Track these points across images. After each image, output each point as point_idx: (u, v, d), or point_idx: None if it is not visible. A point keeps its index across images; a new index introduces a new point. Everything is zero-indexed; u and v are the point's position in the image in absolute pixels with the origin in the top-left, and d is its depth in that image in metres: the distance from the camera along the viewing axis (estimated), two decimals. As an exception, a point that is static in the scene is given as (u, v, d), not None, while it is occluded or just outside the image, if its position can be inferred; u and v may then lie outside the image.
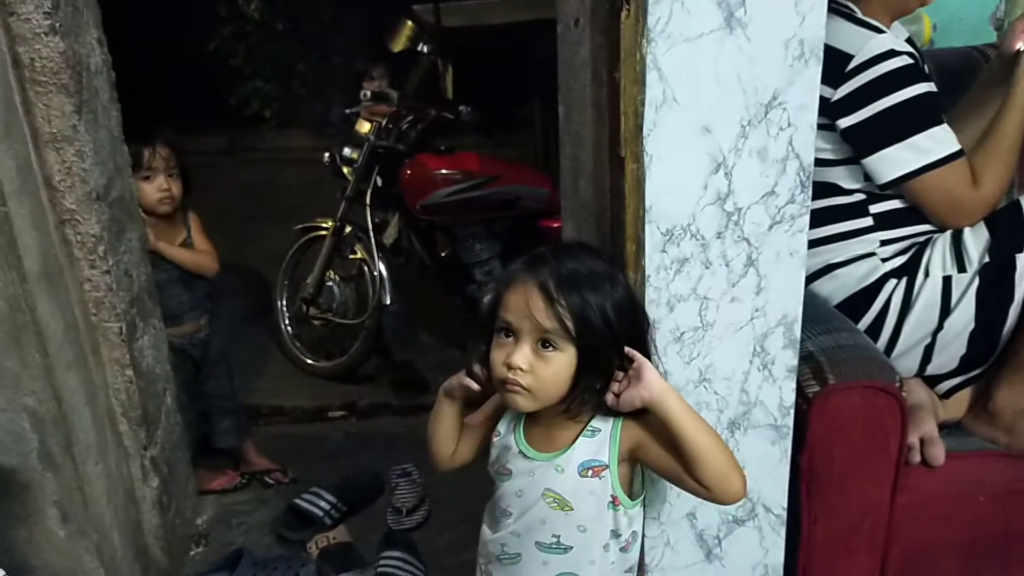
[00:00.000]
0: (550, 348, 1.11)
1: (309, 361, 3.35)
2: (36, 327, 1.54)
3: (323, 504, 2.19)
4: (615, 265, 1.18)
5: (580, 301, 1.09)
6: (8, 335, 1.52)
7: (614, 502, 1.19)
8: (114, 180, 1.80)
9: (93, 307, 1.76)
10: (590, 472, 1.18)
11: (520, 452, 1.22)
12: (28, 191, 1.55)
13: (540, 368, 1.12)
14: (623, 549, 1.23)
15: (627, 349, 1.14)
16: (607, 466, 1.18)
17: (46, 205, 1.63)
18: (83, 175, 1.66)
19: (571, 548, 1.21)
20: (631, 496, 1.21)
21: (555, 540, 1.21)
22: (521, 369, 1.11)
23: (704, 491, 1.14)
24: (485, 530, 1.31)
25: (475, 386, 1.23)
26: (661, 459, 1.16)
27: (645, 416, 1.18)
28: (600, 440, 1.18)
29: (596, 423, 1.19)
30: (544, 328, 1.10)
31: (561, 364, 1.11)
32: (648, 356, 1.17)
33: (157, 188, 2.23)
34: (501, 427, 1.26)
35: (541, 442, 1.21)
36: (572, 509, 1.19)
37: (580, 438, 1.19)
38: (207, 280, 2.44)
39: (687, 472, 1.13)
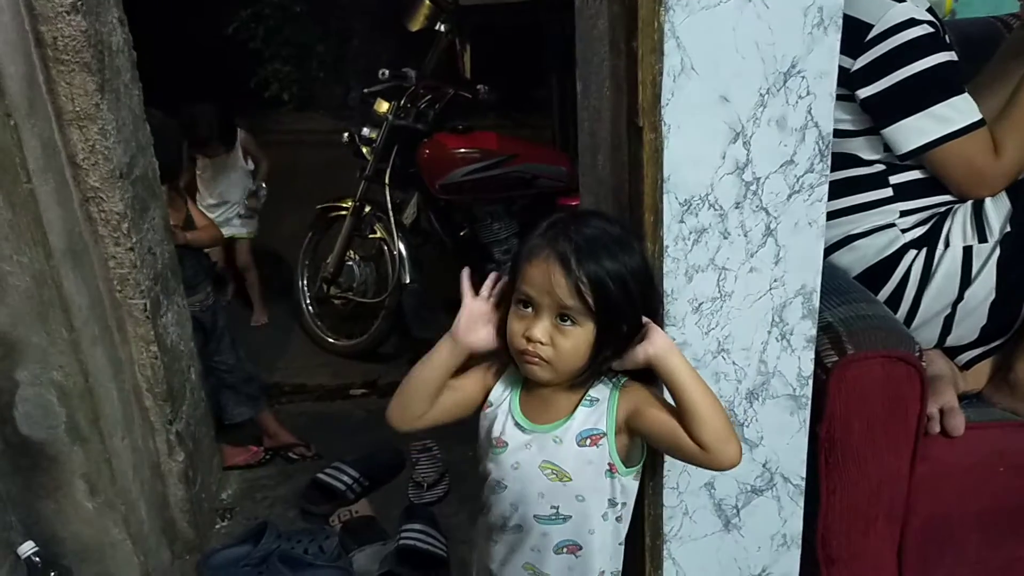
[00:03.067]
0: (569, 322, 1.11)
1: (330, 340, 3.38)
2: (62, 303, 1.57)
3: (346, 479, 2.22)
4: (631, 235, 1.18)
5: (600, 278, 1.09)
6: (35, 310, 1.55)
7: (611, 470, 1.19)
8: (137, 158, 1.82)
9: (118, 284, 1.79)
10: (588, 441, 1.18)
11: (516, 424, 1.22)
12: (52, 169, 1.58)
13: (560, 341, 1.12)
14: (618, 519, 1.24)
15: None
16: (605, 434, 1.18)
17: (70, 183, 1.65)
18: (106, 153, 1.68)
19: (570, 518, 1.21)
20: (627, 464, 1.21)
21: (554, 511, 1.21)
22: (541, 342, 1.12)
23: (701, 453, 1.11)
24: (483, 504, 1.31)
25: (490, 343, 1.21)
26: (657, 424, 1.15)
27: (642, 383, 1.19)
28: (599, 409, 1.18)
29: (594, 392, 1.19)
30: (565, 304, 1.10)
31: (580, 338, 1.12)
32: (660, 324, 1.18)
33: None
34: (493, 398, 1.25)
35: (538, 413, 1.21)
36: (571, 480, 1.19)
37: (579, 408, 1.19)
38: (207, 253, 2.55)
39: (687, 432, 1.11)
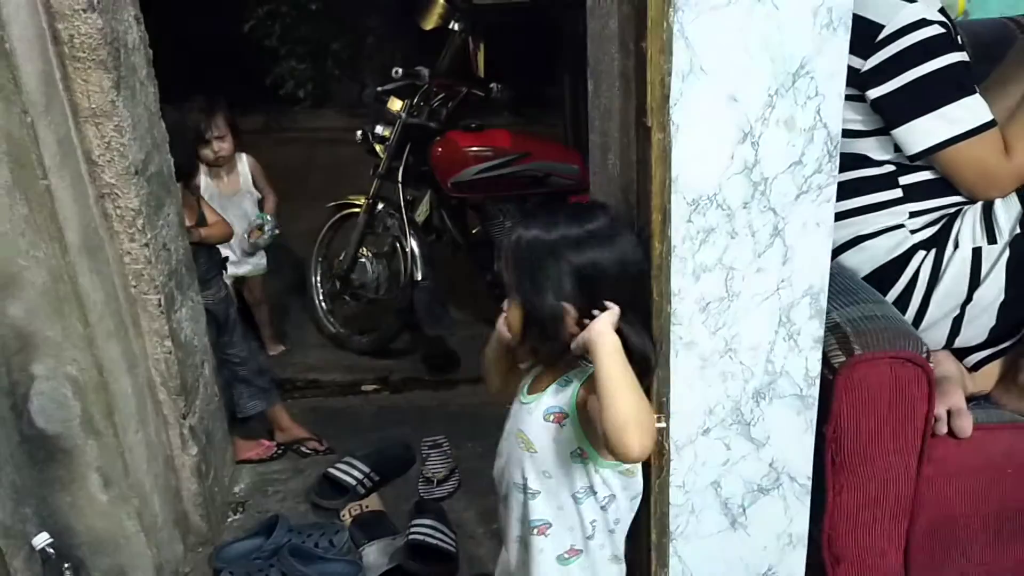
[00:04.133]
0: (513, 299, 1.25)
1: (343, 336, 3.40)
2: (78, 298, 1.59)
3: (356, 474, 2.23)
4: (604, 234, 1.23)
5: (518, 263, 1.22)
6: (51, 305, 1.57)
7: (582, 455, 1.24)
8: (152, 155, 1.83)
9: (133, 279, 1.81)
10: (552, 417, 1.25)
11: (519, 395, 1.32)
12: (69, 165, 1.60)
13: (509, 313, 1.27)
14: (603, 508, 1.27)
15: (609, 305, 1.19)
16: (567, 415, 1.24)
17: (86, 179, 1.67)
18: (122, 150, 1.69)
19: (539, 493, 1.27)
20: (604, 455, 1.23)
21: (524, 481, 1.28)
22: (504, 313, 1.28)
23: (604, 440, 1.15)
24: None
25: (507, 335, 1.30)
26: (592, 408, 1.20)
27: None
28: (567, 391, 1.25)
29: (571, 374, 1.26)
30: (506, 281, 1.26)
31: (514, 314, 1.26)
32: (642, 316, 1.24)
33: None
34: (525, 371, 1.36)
35: (535, 386, 1.30)
36: (536, 451, 1.26)
37: (553, 385, 1.27)
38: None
39: (601, 419, 1.15)
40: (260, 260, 3.32)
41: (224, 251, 2.71)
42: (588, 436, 1.23)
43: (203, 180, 2.93)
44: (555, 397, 1.26)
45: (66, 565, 1.70)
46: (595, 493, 1.26)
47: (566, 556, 1.29)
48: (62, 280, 1.56)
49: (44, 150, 1.49)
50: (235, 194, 3.18)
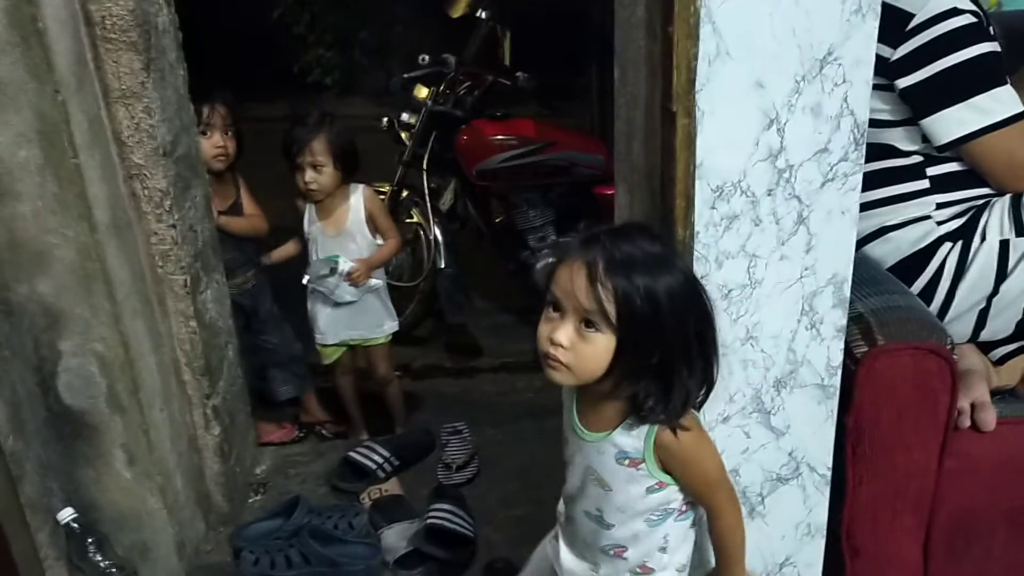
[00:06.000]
0: (592, 329, 1.09)
1: (366, 322, 3.41)
2: (105, 276, 1.61)
3: (377, 458, 2.25)
4: (674, 254, 1.14)
5: (626, 287, 1.06)
6: (79, 282, 1.59)
7: (659, 486, 1.20)
8: (180, 137, 1.85)
9: (159, 259, 1.83)
10: (627, 462, 1.18)
11: (573, 427, 1.24)
12: (99, 145, 1.61)
13: (580, 347, 1.10)
14: (678, 518, 1.25)
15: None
16: (644, 460, 1.18)
17: (115, 159, 1.69)
18: (151, 131, 1.71)
19: (613, 525, 1.24)
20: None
21: (599, 514, 1.25)
22: (562, 346, 1.10)
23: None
24: None
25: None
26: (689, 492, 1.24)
27: (674, 446, 1.16)
28: (636, 437, 1.17)
29: (633, 419, 1.17)
30: (586, 309, 1.08)
31: (601, 346, 1.09)
32: (710, 354, 1.16)
33: (213, 145, 2.27)
34: (564, 397, 1.27)
35: (590, 420, 1.21)
36: (611, 490, 1.21)
37: (619, 427, 1.18)
38: (256, 240, 2.51)
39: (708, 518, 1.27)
40: (379, 321, 2.58)
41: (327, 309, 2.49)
42: (668, 471, 1.19)
43: (306, 215, 2.48)
44: (625, 439, 1.18)
45: (90, 540, 1.73)
46: (671, 510, 1.23)
47: (638, 571, 1.27)
48: (90, 258, 1.58)
49: (75, 129, 1.51)
50: (339, 234, 2.47)
